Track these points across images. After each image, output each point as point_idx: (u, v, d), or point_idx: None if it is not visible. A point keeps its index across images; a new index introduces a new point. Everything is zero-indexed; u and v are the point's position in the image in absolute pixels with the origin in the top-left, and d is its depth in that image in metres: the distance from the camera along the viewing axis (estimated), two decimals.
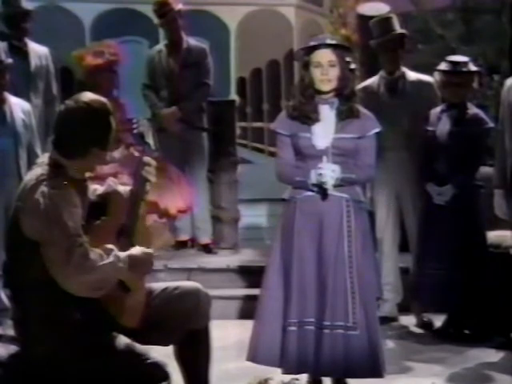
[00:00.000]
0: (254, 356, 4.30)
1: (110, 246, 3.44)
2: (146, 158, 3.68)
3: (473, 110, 5.91)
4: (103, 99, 3.59)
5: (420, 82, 6.10)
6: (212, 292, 6.57)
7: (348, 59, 4.52)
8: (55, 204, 3.32)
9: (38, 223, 3.32)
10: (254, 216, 10.39)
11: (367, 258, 4.23)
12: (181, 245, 7.49)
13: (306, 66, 4.14)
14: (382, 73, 6.13)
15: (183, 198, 7.07)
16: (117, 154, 6.81)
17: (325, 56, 4.10)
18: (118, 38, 13.92)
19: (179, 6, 7.26)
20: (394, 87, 6.08)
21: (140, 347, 3.54)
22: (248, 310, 6.25)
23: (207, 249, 7.42)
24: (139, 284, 3.64)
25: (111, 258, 3.39)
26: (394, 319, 6.15)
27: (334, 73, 4.11)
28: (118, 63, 7.05)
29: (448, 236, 5.76)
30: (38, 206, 3.32)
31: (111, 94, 7.16)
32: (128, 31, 14.45)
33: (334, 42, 4.21)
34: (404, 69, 6.11)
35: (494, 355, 5.52)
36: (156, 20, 7.41)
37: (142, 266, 3.52)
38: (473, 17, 13.34)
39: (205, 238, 7.48)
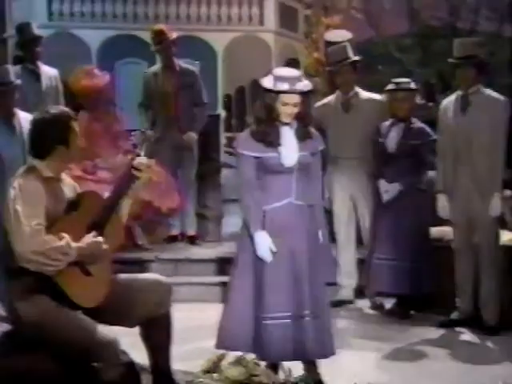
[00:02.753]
0: (223, 343, 4.15)
1: (64, 234, 3.40)
2: (137, 160, 3.69)
3: (417, 124, 5.96)
4: (64, 108, 3.75)
5: (371, 100, 6.17)
6: (196, 279, 6.76)
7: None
8: (21, 192, 3.42)
9: (7, 207, 3.43)
10: (237, 213, 10.36)
11: (319, 251, 4.21)
12: (171, 239, 7.42)
13: (274, 100, 4.01)
14: (338, 92, 6.21)
15: (174, 199, 7.05)
16: (117, 160, 6.87)
17: (292, 99, 4.00)
18: (120, 60, 14.03)
19: (174, 35, 7.25)
20: (348, 104, 6.16)
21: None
22: (225, 294, 6.44)
23: (192, 240, 7.38)
24: (102, 270, 3.59)
25: (62, 243, 3.38)
26: (351, 302, 6.19)
27: (297, 110, 4.04)
28: (106, 87, 7.12)
29: (395, 231, 5.81)
30: (9, 195, 3.45)
31: (109, 109, 7.26)
32: (129, 54, 14.37)
33: (301, 88, 4.03)
34: (357, 89, 6.18)
35: (434, 333, 5.57)
36: (153, 47, 7.37)
37: (91, 254, 3.49)
38: (428, 42, 13.31)
39: (190, 231, 7.44)
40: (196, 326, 5.67)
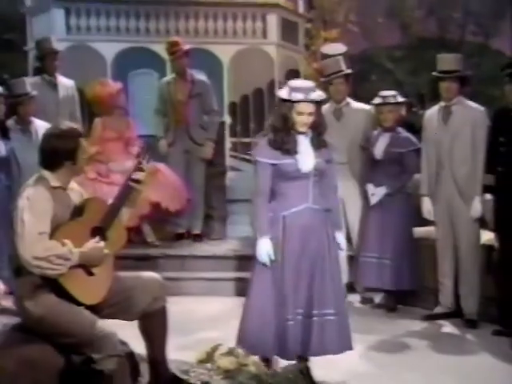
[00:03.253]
0: (247, 347, 4.02)
1: (67, 241, 3.43)
2: (136, 174, 3.69)
3: (403, 134, 5.95)
4: (74, 125, 3.75)
5: (360, 110, 6.17)
6: (200, 274, 6.76)
7: None
8: (29, 202, 3.45)
9: (16, 214, 3.47)
10: (241, 213, 10.37)
11: (337, 252, 4.17)
12: (179, 237, 7.39)
13: (290, 109, 3.97)
14: (331, 101, 6.17)
15: (181, 200, 7.07)
16: (128, 164, 6.87)
17: (306, 108, 3.95)
18: (133, 71, 14.00)
19: (187, 47, 7.26)
20: (339, 113, 6.15)
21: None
22: (229, 288, 6.40)
23: (197, 238, 7.36)
24: (103, 270, 3.60)
25: (63, 249, 3.41)
26: None
27: (311, 119, 3.99)
28: (117, 93, 7.14)
29: (382, 231, 5.82)
30: (19, 203, 3.48)
31: (122, 114, 7.28)
32: (142, 65, 14.29)
33: (315, 98, 3.98)
34: (349, 99, 6.17)
35: (418, 325, 5.58)
36: (167, 56, 7.41)
37: (92, 259, 3.51)
38: (418, 53, 13.20)
39: (196, 230, 7.42)
40: (200, 318, 5.71)
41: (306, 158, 4.00)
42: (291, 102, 3.95)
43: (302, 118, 3.97)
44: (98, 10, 15.45)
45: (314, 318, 3.98)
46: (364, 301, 6.10)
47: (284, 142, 3.98)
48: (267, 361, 4.06)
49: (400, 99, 5.95)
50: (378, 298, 6.06)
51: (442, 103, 5.58)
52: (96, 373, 3.41)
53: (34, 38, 14.16)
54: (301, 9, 16.97)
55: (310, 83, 4.08)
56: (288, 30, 16.35)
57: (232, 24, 15.74)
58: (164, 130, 7.33)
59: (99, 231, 3.60)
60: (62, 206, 3.54)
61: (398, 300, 5.96)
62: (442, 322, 5.63)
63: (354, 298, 6.14)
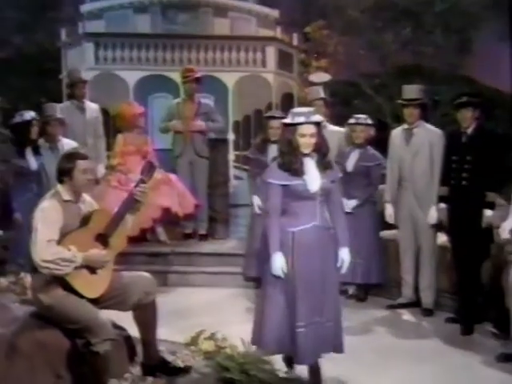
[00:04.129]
0: (262, 344, 3.85)
1: (72, 246, 3.50)
2: (138, 188, 3.70)
3: (371, 150, 5.96)
4: (77, 150, 3.89)
5: (336, 131, 6.16)
6: (205, 269, 6.77)
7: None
8: (42, 213, 3.54)
9: (32, 223, 3.55)
10: (242, 216, 10.35)
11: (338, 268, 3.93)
12: (187, 236, 7.35)
13: (293, 133, 3.77)
14: None
15: (189, 205, 7.05)
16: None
17: (308, 130, 3.74)
18: (152, 95, 14.12)
19: (198, 74, 7.27)
20: None
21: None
22: (228, 281, 6.38)
23: (203, 238, 7.35)
24: (105, 270, 3.64)
25: (68, 254, 3.48)
26: None
27: (314, 140, 3.77)
28: (140, 115, 7.19)
29: (353, 234, 5.74)
30: (35, 214, 3.56)
31: (143, 132, 7.33)
32: (159, 89, 14.39)
33: (315, 119, 3.78)
34: (326, 122, 6.02)
35: (383, 313, 5.59)
36: (181, 80, 7.39)
37: (94, 262, 3.57)
38: (395, 81, 13.15)
39: (202, 231, 7.40)
40: (200, 305, 5.73)
41: (313, 178, 3.77)
42: (294, 126, 3.75)
43: (305, 139, 3.74)
44: (122, 43, 15.63)
45: (318, 326, 3.79)
46: (339, 292, 6.10)
47: (292, 164, 3.76)
48: (290, 362, 3.94)
49: (370, 121, 5.96)
50: (351, 290, 6.06)
51: (405, 125, 5.62)
52: (93, 354, 3.46)
53: (67, 68, 14.35)
54: (295, 42, 17.07)
55: (309, 109, 3.91)
56: (284, 60, 16.46)
57: (236, 55, 15.90)
58: (172, 143, 7.32)
59: (103, 237, 3.63)
60: (71, 217, 3.60)
61: (367, 292, 5.98)
62: (403, 310, 5.63)
63: None
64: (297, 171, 3.75)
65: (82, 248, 3.55)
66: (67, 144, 5.90)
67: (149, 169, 3.78)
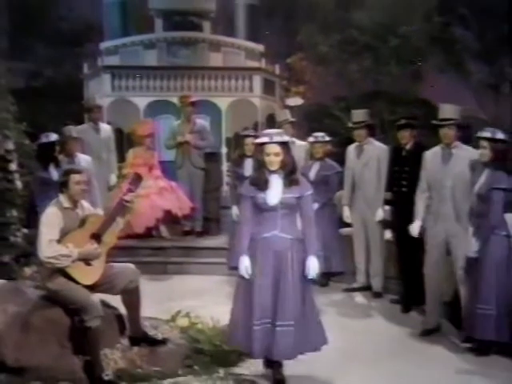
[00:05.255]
0: (234, 342, 3.65)
1: (69, 244, 3.56)
2: (126, 196, 3.72)
3: (330, 162, 5.91)
4: (73, 167, 3.96)
5: (301, 146, 6.08)
6: (200, 260, 6.67)
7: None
8: (45, 218, 3.61)
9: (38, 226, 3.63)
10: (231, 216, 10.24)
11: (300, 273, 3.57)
12: (186, 233, 7.30)
13: (261, 152, 3.56)
14: None
15: (187, 208, 7.06)
16: (149, 183, 6.95)
17: (272, 149, 3.51)
18: (158, 116, 14.12)
19: (193, 99, 7.31)
20: None
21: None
22: (219, 270, 6.25)
23: (199, 235, 7.31)
24: (98, 262, 3.69)
25: (66, 251, 3.57)
26: None
27: (278, 159, 3.52)
28: (153, 133, 7.22)
29: (318, 233, 5.79)
30: (40, 218, 3.64)
31: (150, 148, 7.25)
32: (164, 112, 14.41)
33: (278, 139, 3.53)
34: (294, 139, 5.97)
35: (339, 296, 5.58)
36: (179, 104, 7.45)
37: (88, 257, 3.65)
38: (359, 104, 13.05)
39: (198, 228, 7.36)
40: (193, 290, 5.67)
41: (274, 193, 3.51)
42: (260, 145, 3.56)
43: (270, 158, 3.50)
44: (134, 74, 15.68)
45: (277, 328, 3.45)
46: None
47: (258, 179, 3.55)
48: (268, 362, 3.68)
49: (327, 138, 5.90)
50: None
51: (356, 143, 5.64)
52: (86, 328, 3.53)
53: (89, 95, 14.41)
54: (277, 71, 17.15)
55: (278, 131, 3.67)
56: (268, 86, 16.53)
57: (228, 82, 15.98)
58: (175, 157, 7.31)
59: (96, 236, 3.70)
60: (70, 220, 3.66)
61: (329, 278, 5.94)
62: (356, 293, 5.65)
63: None
64: (261, 186, 3.55)
65: (79, 245, 3.62)
66: (83, 159, 5.89)
67: (136, 180, 3.77)
